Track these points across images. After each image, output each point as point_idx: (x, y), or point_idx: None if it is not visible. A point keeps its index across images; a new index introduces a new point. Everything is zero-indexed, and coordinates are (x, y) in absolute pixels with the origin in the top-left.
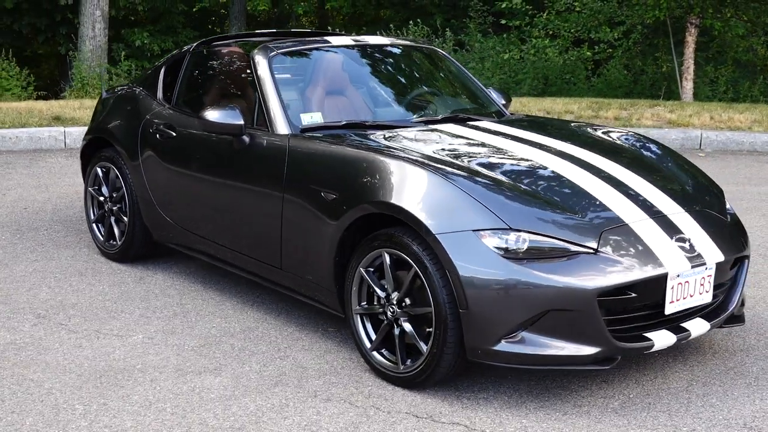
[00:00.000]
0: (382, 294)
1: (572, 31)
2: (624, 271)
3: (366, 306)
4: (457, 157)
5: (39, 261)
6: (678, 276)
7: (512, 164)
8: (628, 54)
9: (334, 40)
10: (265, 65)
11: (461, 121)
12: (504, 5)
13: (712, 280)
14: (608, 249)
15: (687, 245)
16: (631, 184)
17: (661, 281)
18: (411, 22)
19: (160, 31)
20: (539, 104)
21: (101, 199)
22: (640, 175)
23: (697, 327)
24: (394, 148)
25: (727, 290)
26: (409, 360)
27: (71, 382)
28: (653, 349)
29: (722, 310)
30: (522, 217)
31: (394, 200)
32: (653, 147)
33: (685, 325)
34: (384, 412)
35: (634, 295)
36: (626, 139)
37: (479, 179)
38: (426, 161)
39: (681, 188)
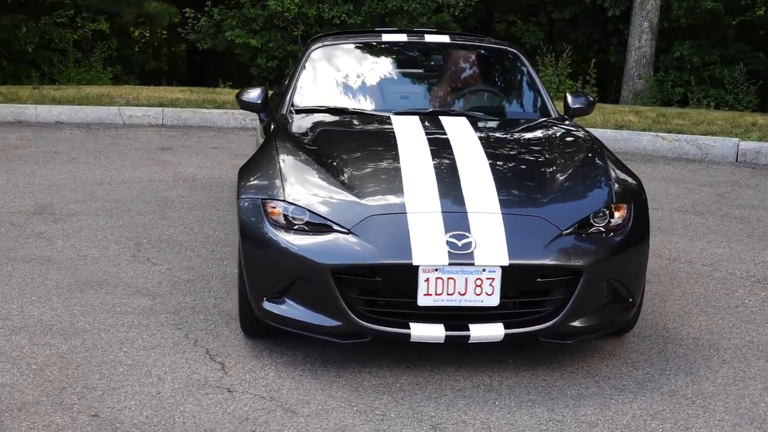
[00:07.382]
0: None
1: None
2: (362, 254)
3: None
4: (338, 142)
5: (215, 211)
6: (436, 270)
7: (372, 151)
8: None
9: (387, 37)
10: (306, 55)
11: (434, 116)
12: None
13: (495, 283)
14: (362, 233)
15: (460, 243)
16: (467, 180)
17: (410, 271)
18: None
19: (711, 44)
20: None
21: None
22: (497, 173)
23: (483, 330)
24: (302, 129)
25: (559, 303)
26: None
27: (67, 284)
28: (412, 340)
29: (540, 321)
30: (307, 196)
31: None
32: (577, 148)
33: (471, 324)
34: (208, 355)
35: (378, 279)
36: (554, 135)
37: (305, 161)
38: (292, 141)
39: (528, 193)
